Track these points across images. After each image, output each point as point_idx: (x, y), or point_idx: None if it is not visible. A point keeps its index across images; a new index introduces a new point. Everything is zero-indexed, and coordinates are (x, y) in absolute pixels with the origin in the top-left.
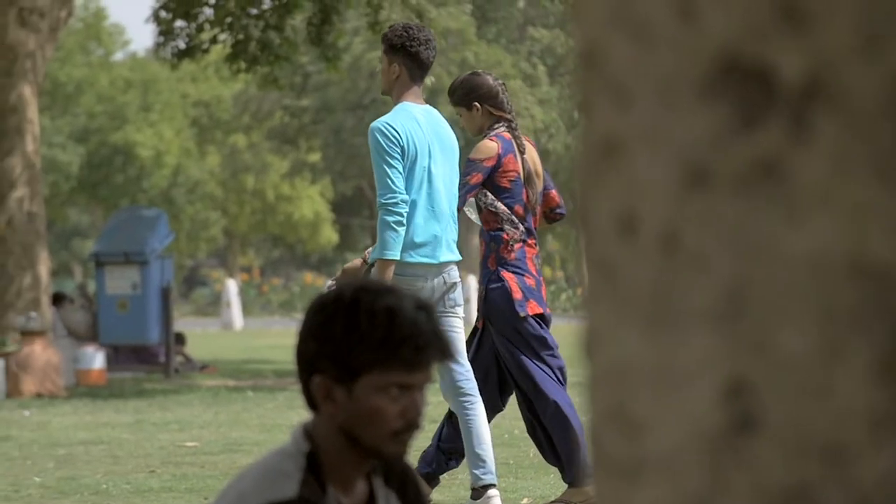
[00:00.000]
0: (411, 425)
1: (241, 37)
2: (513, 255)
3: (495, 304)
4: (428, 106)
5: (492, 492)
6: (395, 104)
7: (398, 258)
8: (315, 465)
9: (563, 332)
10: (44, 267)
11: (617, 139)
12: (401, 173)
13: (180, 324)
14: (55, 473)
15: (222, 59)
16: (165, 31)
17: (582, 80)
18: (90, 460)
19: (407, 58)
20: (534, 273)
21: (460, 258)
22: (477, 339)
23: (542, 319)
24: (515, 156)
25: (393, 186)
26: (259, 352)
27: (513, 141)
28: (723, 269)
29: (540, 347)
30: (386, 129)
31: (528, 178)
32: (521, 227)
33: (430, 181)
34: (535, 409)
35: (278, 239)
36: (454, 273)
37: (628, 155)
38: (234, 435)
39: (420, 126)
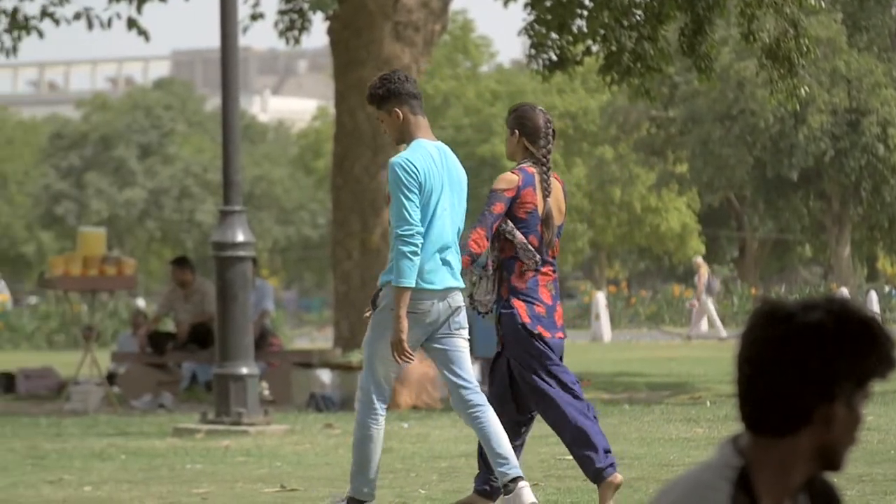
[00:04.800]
0: None
1: (613, 48)
2: (524, 284)
3: (506, 328)
4: (440, 143)
5: (521, 483)
6: (409, 143)
7: (413, 286)
8: (745, 481)
9: None
10: None
11: None
12: (417, 207)
13: None
14: (439, 486)
15: (593, 71)
16: (538, 44)
17: None
18: (473, 473)
19: (397, 98)
20: (545, 300)
21: (463, 285)
22: (494, 360)
23: (548, 345)
24: (535, 189)
25: (410, 219)
26: (630, 364)
27: (535, 176)
28: None
29: (549, 364)
30: (406, 165)
31: (547, 219)
32: (537, 257)
33: (439, 214)
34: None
35: (644, 251)
36: (458, 298)
37: None
38: (614, 448)
39: (434, 163)
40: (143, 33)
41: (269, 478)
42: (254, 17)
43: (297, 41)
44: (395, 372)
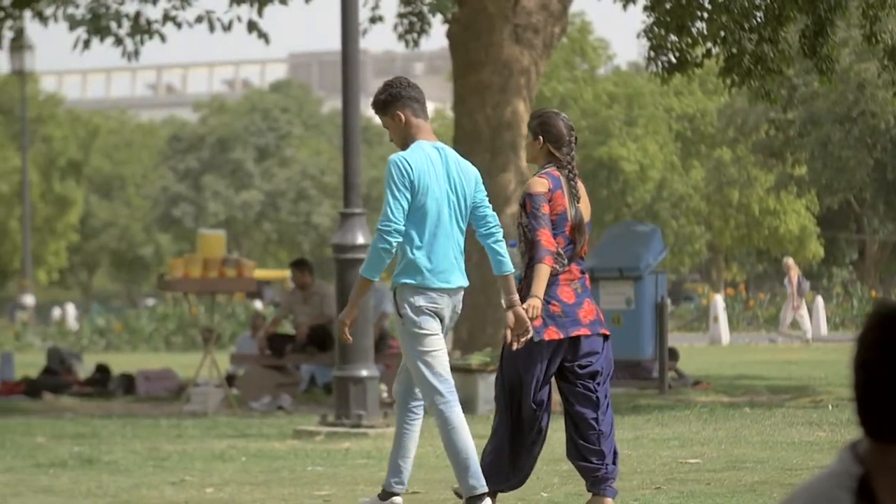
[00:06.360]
0: None
1: (734, 50)
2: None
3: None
4: (441, 143)
5: (396, 499)
6: (410, 144)
7: (376, 280)
8: (866, 490)
9: None
10: None
11: None
12: (402, 206)
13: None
14: (561, 489)
15: (711, 73)
16: (656, 46)
17: None
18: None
19: (399, 101)
20: (564, 300)
21: (468, 284)
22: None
23: (574, 343)
24: (563, 192)
25: (391, 216)
26: (750, 367)
27: (561, 179)
28: None
29: (536, 373)
30: (401, 163)
31: (580, 225)
32: (556, 264)
33: (443, 214)
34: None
35: (763, 253)
36: (460, 302)
37: None
38: (736, 452)
39: (433, 163)
40: (263, 36)
41: None
42: (373, 20)
43: (415, 44)
44: (447, 361)
